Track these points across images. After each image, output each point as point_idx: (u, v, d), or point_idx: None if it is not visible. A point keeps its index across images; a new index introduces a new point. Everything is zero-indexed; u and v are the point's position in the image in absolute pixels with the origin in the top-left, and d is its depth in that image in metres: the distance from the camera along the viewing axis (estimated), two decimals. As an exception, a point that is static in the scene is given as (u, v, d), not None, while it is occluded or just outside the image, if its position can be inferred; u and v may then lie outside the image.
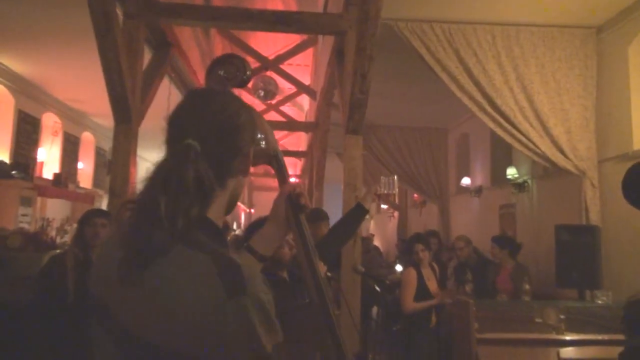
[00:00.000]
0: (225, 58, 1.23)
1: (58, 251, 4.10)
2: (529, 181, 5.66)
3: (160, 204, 0.81)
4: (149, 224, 0.81)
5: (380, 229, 12.90)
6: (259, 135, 1.15)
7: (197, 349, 0.76)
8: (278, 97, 9.02)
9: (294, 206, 1.19)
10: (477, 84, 4.24)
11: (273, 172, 1.26)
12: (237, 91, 1.19)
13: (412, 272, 4.23)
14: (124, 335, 0.81)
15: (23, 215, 6.60)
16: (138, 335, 0.79)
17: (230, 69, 1.20)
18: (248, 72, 1.21)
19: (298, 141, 12.43)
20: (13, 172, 6.54)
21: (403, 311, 4.15)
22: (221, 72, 1.20)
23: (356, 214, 2.58)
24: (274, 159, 1.23)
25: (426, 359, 4.09)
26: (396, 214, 11.11)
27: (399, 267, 6.97)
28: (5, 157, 6.73)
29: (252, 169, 1.05)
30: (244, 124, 0.96)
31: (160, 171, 0.86)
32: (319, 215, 3.54)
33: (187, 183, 0.84)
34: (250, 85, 7.75)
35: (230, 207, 0.99)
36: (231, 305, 0.77)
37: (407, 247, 4.49)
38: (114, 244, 0.89)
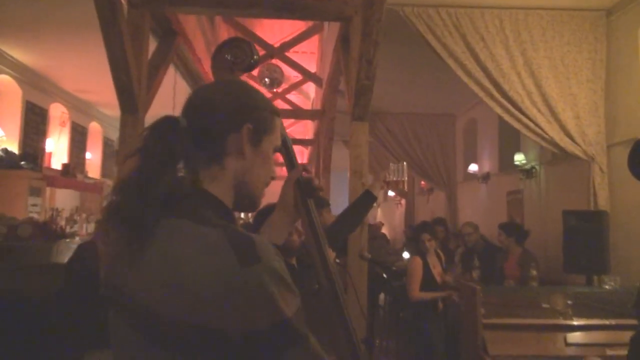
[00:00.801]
0: (232, 42, 1.20)
1: (73, 241, 4.14)
2: (537, 167, 5.62)
3: (135, 176, 0.85)
4: (127, 198, 0.84)
5: (388, 216, 12.91)
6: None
7: (214, 319, 0.76)
8: (284, 85, 8.99)
9: (303, 191, 1.18)
10: (484, 69, 4.19)
11: (279, 161, 1.26)
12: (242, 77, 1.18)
13: (418, 261, 4.23)
14: (138, 314, 0.82)
15: (33, 205, 6.66)
16: (153, 312, 0.79)
17: (238, 53, 1.18)
18: (255, 57, 1.19)
19: (304, 129, 12.40)
20: (22, 162, 6.60)
21: (409, 300, 4.17)
22: (228, 56, 1.18)
23: (364, 200, 2.58)
24: (282, 144, 1.22)
25: (433, 345, 4.12)
26: (403, 201, 11.10)
27: (406, 255, 6.98)
28: (14, 148, 6.78)
29: None
30: (228, 102, 0.95)
31: (138, 147, 0.89)
32: (320, 202, 3.55)
33: (153, 152, 0.86)
34: (255, 73, 7.73)
35: (243, 196, 0.97)
36: (245, 274, 0.78)
37: (413, 236, 4.51)
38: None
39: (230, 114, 0.94)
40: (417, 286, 4.14)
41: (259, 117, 0.97)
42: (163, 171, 0.86)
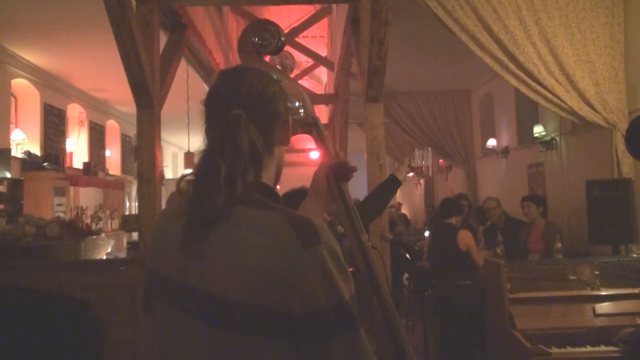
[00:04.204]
0: (259, 24, 1.20)
1: (99, 237, 4.23)
2: (557, 138, 5.53)
3: (221, 170, 0.84)
4: (210, 190, 0.84)
5: (407, 196, 12.86)
6: (297, 104, 1.14)
7: (278, 300, 0.78)
8: (295, 71, 8.97)
9: (337, 175, 1.16)
10: (498, 41, 4.11)
11: (297, 147, 1.25)
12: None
13: (470, 234, 4.44)
14: (202, 302, 0.83)
15: (58, 204, 6.81)
16: (220, 298, 0.81)
17: (265, 36, 1.17)
18: (283, 39, 1.18)
19: (318, 114, 12.28)
20: (45, 163, 6.74)
21: (480, 263, 4.25)
22: (255, 39, 1.18)
23: (389, 185, 2.60)
24: (314, 127, 1.21)
25: (459, 322, 4.14)
26: (422, 181, 11.04)
27: (427, 234, 6.97)
28: (36, 150, 6.92)
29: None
30: (278, 93, 0.98)
31: (216, 140, 0.89)
32: None
33: (242, 148, 0.87)
34: (267, 60, 7.71)
35: (277, 177, 1.02)
36: (308, 254, 0.79)
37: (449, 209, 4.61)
38: (169, 219, 0.94)
39: (281, 105, 0.98)
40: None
41: (287, 103, 1.02)
42: (247, 166, 0.87)
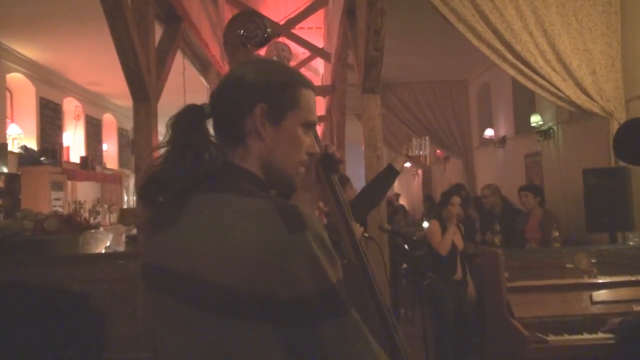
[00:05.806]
0: (244, 15, 1.19)
1: (98, 231, 4.22)
2: (554, 127, 5.54)
3: (184, 155, 0.89)
4: (175, 165, 0.89)
5: (405, 187, 12.88)
6: None
7: (263, 285, 0.78)
8: (292, 63, 8.92)
9: (326, 168, 1.15)
10: (495, 31, 4.10)
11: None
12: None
13: (436, 222, 4.29)
14: (187, 287, 0.84)
15: (56, 199, 6.81)
16: (205, 283, 0.81)
17: (250, 27, 1.16)
18: (269, 30, 1.17)
19: (316, 106, 12.37)
20: (42, 158, 6.73)
21: (441, 253, 4.15)
22: (240, 31, 1.16)
23: (387, 175, 2.60)
24: None
25: (452, 312, 4.16)
26: (420, 171, 11.05)
27: (426, 224, 6.99)
28: (33, 144, 6.90)
29: None
30: (241, 85, 0.95)
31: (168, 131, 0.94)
32: (342, 179, 3.57)
33: (184, 138, 0.91)
34: (263, 52, 7.67)
35: (273, 177, 0.97)
36: (294, 239, 0.80)
37: (443, 200, 4.54)
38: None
39: (241, 96, 0.94)
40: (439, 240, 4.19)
41: (276, 94, 0.95)
42: (182, 156, 0.89)
